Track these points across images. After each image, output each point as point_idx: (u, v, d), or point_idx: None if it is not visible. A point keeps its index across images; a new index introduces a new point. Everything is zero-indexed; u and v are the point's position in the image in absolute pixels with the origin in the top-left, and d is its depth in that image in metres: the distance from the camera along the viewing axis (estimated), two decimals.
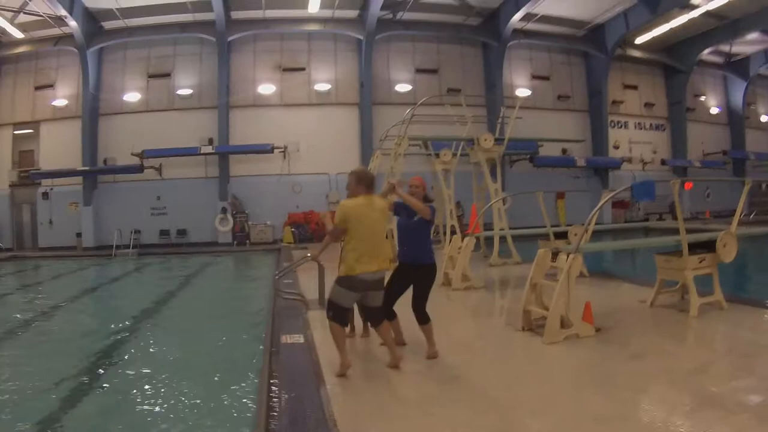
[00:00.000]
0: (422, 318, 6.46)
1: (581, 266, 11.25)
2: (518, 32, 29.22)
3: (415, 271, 6.47)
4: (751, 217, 19.66)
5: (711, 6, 26.88)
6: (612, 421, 4.43)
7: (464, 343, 7.31)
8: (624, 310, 8.75)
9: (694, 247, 8.60)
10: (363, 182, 6.06)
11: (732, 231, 8.57)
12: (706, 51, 33.05)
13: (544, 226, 12.92)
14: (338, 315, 5.85)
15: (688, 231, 8.56)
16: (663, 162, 34.77)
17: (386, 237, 6.22)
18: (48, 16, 24.38)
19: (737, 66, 36.90)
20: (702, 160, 35.98)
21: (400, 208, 6.54)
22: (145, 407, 6.42)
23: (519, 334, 7.42)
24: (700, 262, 8.35)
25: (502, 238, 15.98)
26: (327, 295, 5.91)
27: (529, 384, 5.50)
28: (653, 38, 31.48)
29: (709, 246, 8.57)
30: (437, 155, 19.07)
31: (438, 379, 5.64)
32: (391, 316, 6.68)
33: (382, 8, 25.91)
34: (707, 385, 5.27)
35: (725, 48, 34.35)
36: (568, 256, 7.26)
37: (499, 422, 4.51)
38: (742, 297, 9.73)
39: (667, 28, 29.71)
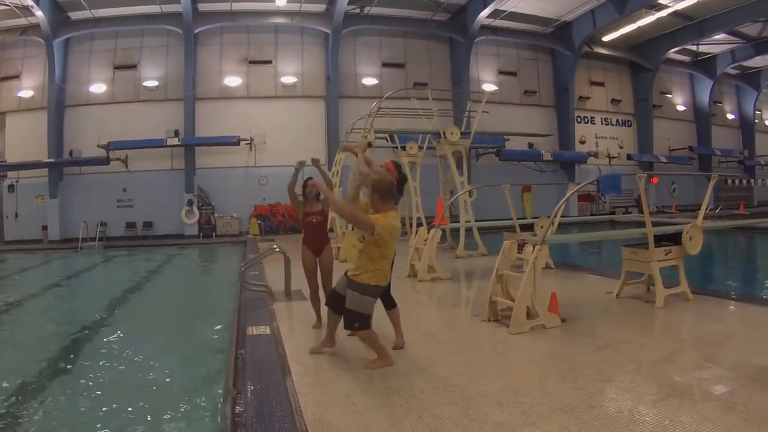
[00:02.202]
0: (388, 303, 6.46)
1: (547, 258, 11.37)
2: (485, 28, 29.39)
3: None
4: (717, 211, 19.91)
5: (678, 6, 27.27)
6: (578, 410, 4.39)
7: (430, 334, 7.24)
8: (590, 301, 8.78)
9: (661, 240, 8.66)
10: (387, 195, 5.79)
11: (698, 224, 8.63)
12: (673, 50, 33.58)
13: (511, 219, 12.95)
14: (367, 323, 5.67)
15: (654, 224, 8.62)
16: (629, 157, 35.32)
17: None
18: (14, 6, 23.86)
19: (704, 65, 37.51)
20: (668, 155, 36.62)
21: None
22: (106, 397, 6.28)
23: (485, 325, 7.39)
24: (666, 254, 8.41)
25: (469, 231, 15.95)
26: (350, 307, 5.60)
27: (494, 374, 5.43)
28: (620, 36, 31.94)
29: (675, 239, 8.63)
30: (403, 148, 19.10)
31: (404, 370, 5.56)
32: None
33: (350, 2, 25.86)
34: (673, 374, 5.26)
35: (692, 47, 34.77)
36: (534, 248, 7.25)
37: (465, 412, 4.44)
38: (708, 288, 9.83)
39: (635, 27, 30.08)
